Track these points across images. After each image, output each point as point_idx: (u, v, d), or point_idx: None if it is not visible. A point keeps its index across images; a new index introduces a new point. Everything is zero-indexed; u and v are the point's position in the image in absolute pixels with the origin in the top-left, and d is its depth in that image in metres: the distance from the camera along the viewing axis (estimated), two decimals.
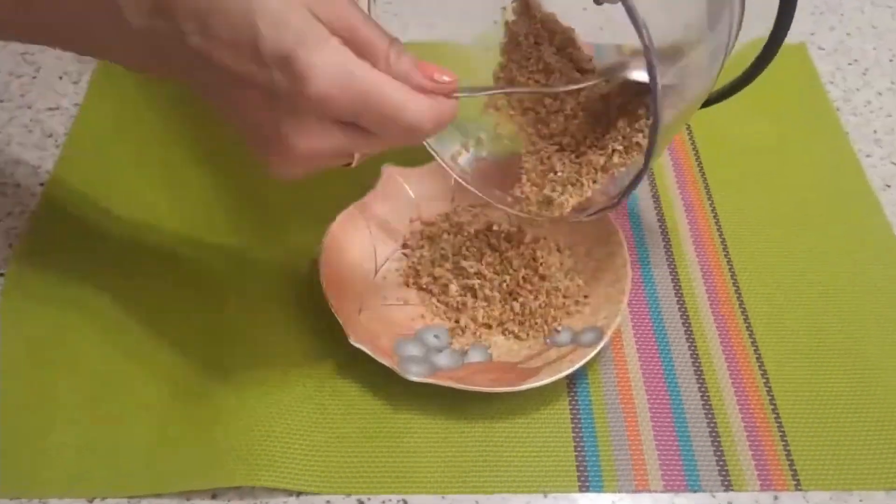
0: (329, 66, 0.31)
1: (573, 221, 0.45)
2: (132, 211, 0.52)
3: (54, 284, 0.48)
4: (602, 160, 0.43)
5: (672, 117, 0.38)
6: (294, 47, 0.31)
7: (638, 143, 0.42)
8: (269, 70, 0.31)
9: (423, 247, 0.50)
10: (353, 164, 0.36)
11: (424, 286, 0.48)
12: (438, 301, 0.47)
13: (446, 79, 0.34)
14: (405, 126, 0.33)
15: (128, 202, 0.52)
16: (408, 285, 0.48)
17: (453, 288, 0.47)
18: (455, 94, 0.34)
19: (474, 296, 0.47)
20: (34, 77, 0.60)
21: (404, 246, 0.50)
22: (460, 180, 0.47)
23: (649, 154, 0.38)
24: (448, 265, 0.48)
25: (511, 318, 0.46)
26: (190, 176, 0.54)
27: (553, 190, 0.43)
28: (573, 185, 0.43)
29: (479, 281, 0.47)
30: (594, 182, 0.43)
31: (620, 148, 0.42)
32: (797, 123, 0.59)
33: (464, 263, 0.47)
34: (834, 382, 0.45)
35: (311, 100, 0.32)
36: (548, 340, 0.46)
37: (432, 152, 0.47)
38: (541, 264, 0.47)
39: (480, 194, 0.47)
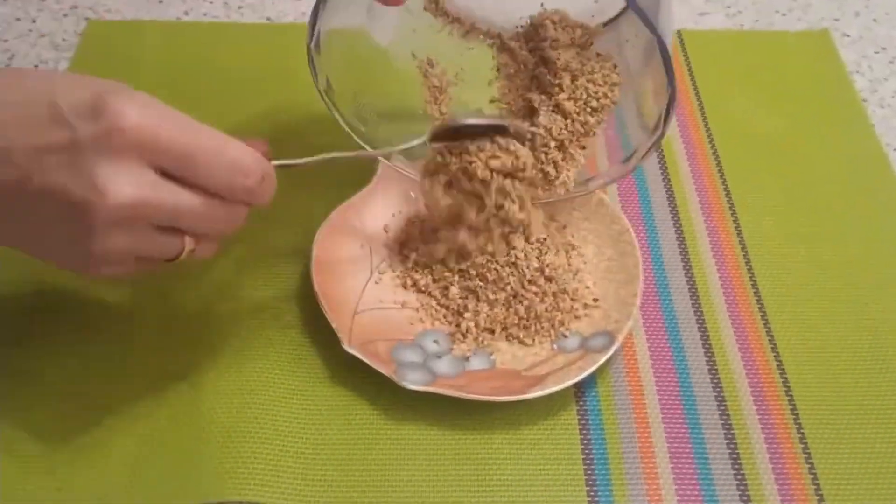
0: (145, 103, 0.33)
1: (582, 195, 0.47)
2: None
3: (28, 294, 0.47)
4: (578, 125, 0.45)
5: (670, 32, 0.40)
6: (102, 93, 0.32)
7: (605, 95, 0.44)
8: (74, 124, 0.32)
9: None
10: (183, 256, 0.37)
11: (423, 288, 0.48)
12: (438, 304, 0.47)
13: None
14: (228, 161, 0.35)
15: None
16: (406, 287, 0.48)
17: (454, 290, 0.47)
18: (273, 161, 0.38)
19: (476, 298, 0.46)
20: (7, 65, 0.60)
21: (402, 245, 0.50)
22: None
23: (668, 115, 0.40)
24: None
25: (515, 322, 0.46)
26: None
27: (548, 166, 0.45)
28: (563, 159, 0.45)
29: (481, 283, 0.46)
30: (582, 148, 0.45)
31: (595, 104, 0.44)
32: (820, 115, 0.59)
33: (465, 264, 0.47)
34: (860, 392, 0.45)
35: (128, 132, 0.32)
36: (555, 346, 0.46)
37: (405, 172, 0.48)
38: (547, 265, 0.47)
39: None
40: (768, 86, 0.61)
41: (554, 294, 0.47)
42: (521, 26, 0.48)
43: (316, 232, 0.47)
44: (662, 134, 0.43)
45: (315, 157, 0.41)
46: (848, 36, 0.66)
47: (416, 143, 0.44)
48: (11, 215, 0.35)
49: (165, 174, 0.34)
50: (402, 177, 0.51)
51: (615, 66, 0.45)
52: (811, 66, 0.63)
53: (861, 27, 0.67)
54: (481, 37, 0.49)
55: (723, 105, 0.59)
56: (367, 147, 0.46)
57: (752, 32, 0.65)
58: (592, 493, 0.41)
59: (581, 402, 0.44)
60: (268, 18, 0.65)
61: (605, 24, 0.47)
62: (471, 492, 0.41)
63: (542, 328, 0.46)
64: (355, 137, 0.47)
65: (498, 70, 0.49)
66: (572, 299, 0.47)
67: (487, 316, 0.46)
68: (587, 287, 0.48)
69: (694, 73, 0.61)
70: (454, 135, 0.44)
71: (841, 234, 0.52)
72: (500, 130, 0.43)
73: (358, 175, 0.51)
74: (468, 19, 0.49)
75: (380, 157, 0.48)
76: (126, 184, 0.33)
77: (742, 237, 0.52)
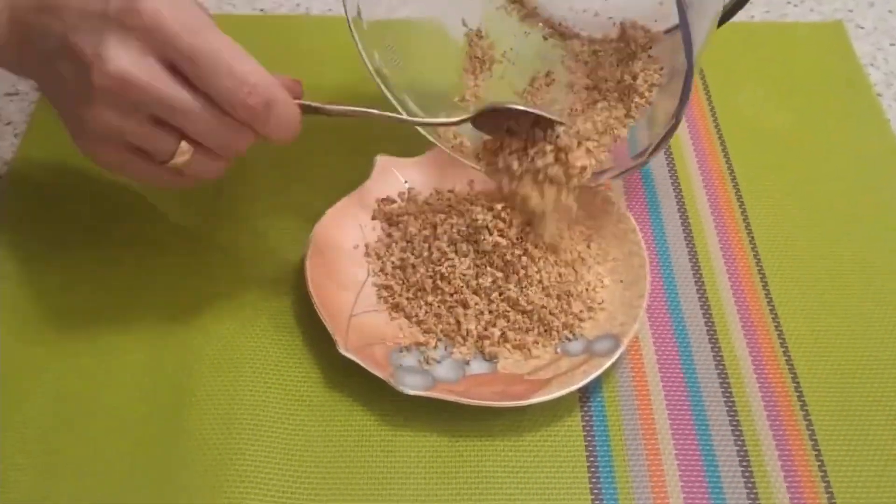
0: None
1: (593, 186, 0.47)
2: (98, 206, 0.52)
3: (13, 283, 0.47)
4: (612, 119, 0.45)
5: (700, 49, 0.40)
6: None
7: (642, 95, 0.45)
8: None
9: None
10: (177, 160, 0.38)
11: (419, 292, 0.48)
12: (439, 307, 0.47)
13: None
14: (237, 73, 0.36)
15: (93, 196, 0.52)
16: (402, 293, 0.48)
17: (455, 291, 0.47)
18: (300, 100, 0.39)
19: (477, 299, 0.46)
20: None
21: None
22: (454, 154, 0.48)
23: (683, 101, 0.39)
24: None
25: (518, 325, 0.46)
26: None
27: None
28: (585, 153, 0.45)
29: (484, 283, 0.46)
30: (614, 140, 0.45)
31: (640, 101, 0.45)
32: (834, 110, 0.59)
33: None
34: (875, 399, 0.45)
35: (142, 14, 0.35)
36: (558, 349, 0.46)
37: (419, 127, 0.47)
38: (550, 266, 0.47)
39: (475, 167, 0.47)
40: (780, 79, 0.61)
41: (557, 296, 0.46)
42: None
43: (311, 230, 0.47)
44: (653, 153, 0.43)
45: (346, 107, 0.41)
46: (862, 28, 0.66)
47: (456, 120, 0.45)
48: (50, 63, 0.38)
49: (175, 69, 0.36)
50: (400, 172, 0.51)
51: (661, 69, 0.45)
52: (824, 59, 0.63)
53: (876, 18, 0.66)
54: (540, 24, 0.49)
55: (732, 100, 0.59)
56: (398, 108, 0.45)
57: (763, 24, 0.65)
58: (598, 503, 0.41)
59: (586, 408, 0.44)
60: (261, 10, 0.65)
61: (666, 32, 0.47)
62: (471, 501, 0.41)
63: (546, 331, 0.46)
64: (374, 77, 0.46)
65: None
66: (577, 301, 0.47)
67: (488, 320, 0.46)
68: (592, 289, 0.48)
69: (703, 67, 0.61)
70: (496, 119, 0.44)
71: (855, 231, 0.52)
72: (547, 123, 0.44)
73: (354, 171, 0.51)
74: (531, 2, 0.49)
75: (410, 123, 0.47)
76: (123, 59, 0.36)
77: (752, 235, 0.52)
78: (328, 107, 0.41)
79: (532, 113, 0.44)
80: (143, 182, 0.41)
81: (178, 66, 0.36)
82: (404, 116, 0.44)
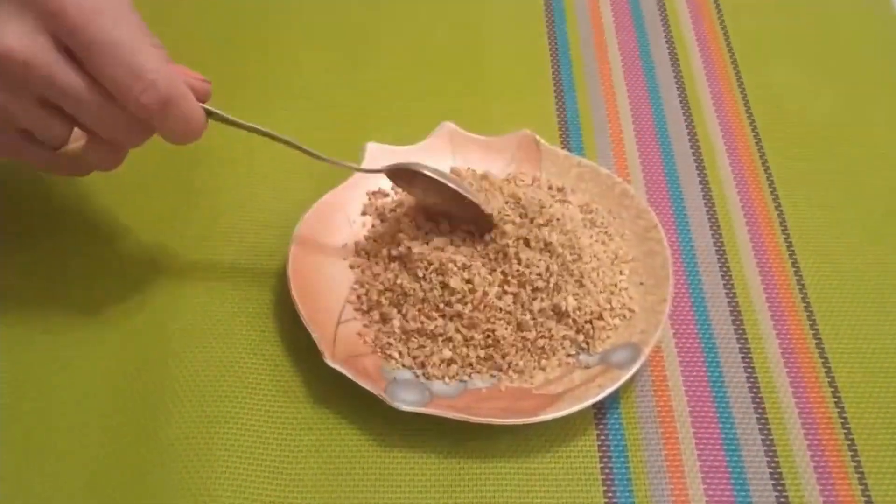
0: None
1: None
2: (68, 213, 0.51)
3: None
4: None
5: None
6: None
7: None
8: None
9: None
10: (70, 146, 0.39)
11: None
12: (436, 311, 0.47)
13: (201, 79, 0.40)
14: (133, 67, 0.36)
15: (65, 198, 0.52)
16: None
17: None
18: (206, 105, 0.39)
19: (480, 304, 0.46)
20: None
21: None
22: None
23: None
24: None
25: (526, 332, 0.46)
26: (131, 164, 0.54)
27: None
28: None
29: (487, 286, 0.46)
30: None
31: None
32: (879, 90, 0.59)
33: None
34: None
35: None
36: (571, 360, 0.45)
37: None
38: (559, 270, 0.47)
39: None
40: (818, 57, 0.61)
41: (570, 301, 0.46)
42: None
43: (294, 229, 0.47)
44: None
45: (255, 126, 0.42)
46: None
47: (372, 169, 0.46)
48: None
49: (69, 52, 0.37)
50: (393, 161, 0.51)
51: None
52: (866, 33, 0.63)
53: None
54: None
55: (765, 79, 0.59)
56: (321, 154, 0.45)
57: None
58: None
59: (601, 426, 0.44)
60: None
61: None
62: None
63: (557, 340, 0.45)
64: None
65: None
66: (591, 306, 0.46)
67: (493, 327, 0.45)
68: (608, 293, 0.47)
69: (732, 44, 0.61)
70: (409, 178, 0.46)
71: None
72: (459, 201, 0.45)
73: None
74: None
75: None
76: (13, 33, 0.36)
77: (788, 233, 0.51)
78: (239, 121, 0.41)
79: (446, 185, 0.45)
80: (38, 168, 0.42)
81: (74, 51, 0.37)
82: (320, 155, 0.44)
